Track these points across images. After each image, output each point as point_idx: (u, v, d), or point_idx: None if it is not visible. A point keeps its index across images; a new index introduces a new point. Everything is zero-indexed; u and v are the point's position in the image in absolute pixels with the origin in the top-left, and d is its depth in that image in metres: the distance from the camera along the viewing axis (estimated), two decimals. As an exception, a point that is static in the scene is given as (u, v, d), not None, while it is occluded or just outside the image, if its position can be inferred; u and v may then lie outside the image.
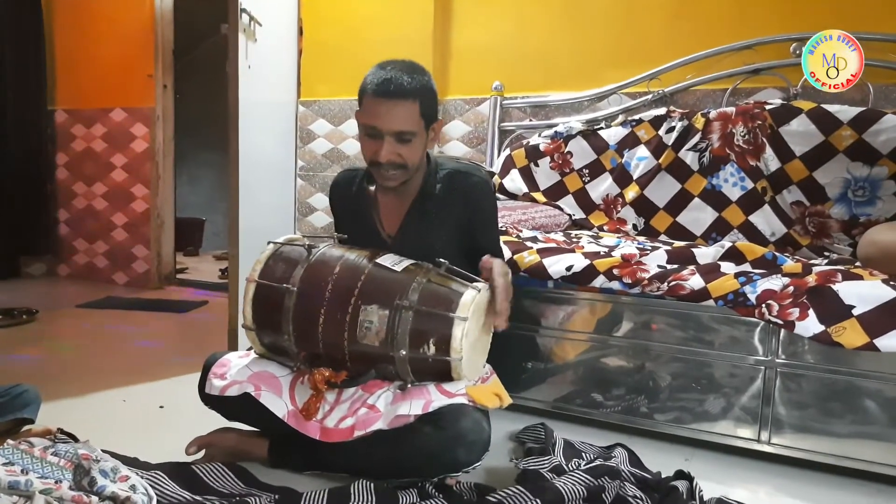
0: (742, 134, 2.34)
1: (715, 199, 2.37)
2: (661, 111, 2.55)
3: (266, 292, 1.46)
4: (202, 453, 1.52)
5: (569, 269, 1.78)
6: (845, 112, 2.19)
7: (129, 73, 3.88)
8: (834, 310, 1.48)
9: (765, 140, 2.31)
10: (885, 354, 1.44)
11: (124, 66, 3.89)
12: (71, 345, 2.68)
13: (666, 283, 1.66)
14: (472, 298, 1.35)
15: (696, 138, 2.42)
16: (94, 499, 1.17)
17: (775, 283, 1.58)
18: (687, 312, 1.69)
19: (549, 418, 1.83)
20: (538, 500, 1.23)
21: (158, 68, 3.84)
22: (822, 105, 2.25)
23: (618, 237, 2.31)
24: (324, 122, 3.35)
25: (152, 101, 3.87)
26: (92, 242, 4.12)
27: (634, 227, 2.50)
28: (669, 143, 2.45)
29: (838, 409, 1.54)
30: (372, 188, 1.61)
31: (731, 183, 2.35)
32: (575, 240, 2.16)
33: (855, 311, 1.46)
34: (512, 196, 2.74)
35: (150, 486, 1.28)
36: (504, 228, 2.12)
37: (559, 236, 2.22)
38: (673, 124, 2.48)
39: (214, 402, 1.51)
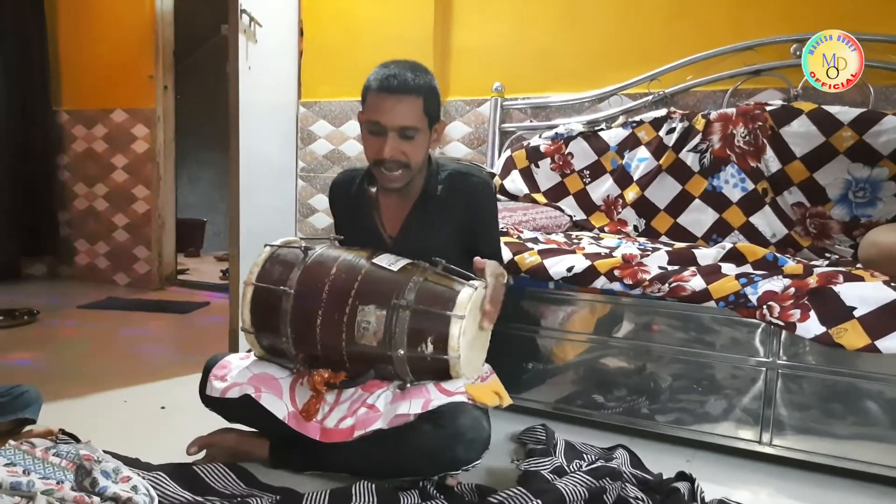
0: (743, 135, 2.35)
1: (716, 200, 2.37)
2: (662, 112, 2.55)
3: (263, 295, 1.46)
4: (203, 454, 1.52)
5: (570, 270, 1.78)
6: (846, 113, 2.19)
7: (130, 74, 3.88)
8: (835, 311, 1.48)
9: (765, 141, 2.31)
10: (887, 356, 1.44)
11: (125, 67, 3.89)
12: (72, 345, 2.68)
13: (667, 285, 1.66)
14: (468, 296, 1.35)
15: (697, 139, 2.42)
16: (96, 499, 1.17)
17: (776, 284, 1.58)
18: (688, 314, 1.69)
19: (550, 419, 1.83)
20: (539, 502, 1.23)
21: (159, 69, 3.85)
22: (822, 106, 2.25)
23: (618, 238, 2.31)
24: (324, 124, 3.35)
25: (153, 102, 3.87)
26: (93, 243, 4.12)
27: (635, 228, 2.50)
28: (670, 145, 2.45)
29: (839, 411, 1.54)
30: (373, 189, 1.61)
31: (732, 184, 2.35)
32: (576, 241, 2.16)
33: (856, 313, 1.46)
34: (513, 197, 2.74)
35: (152, 486, 1.28)
36: (505, 229, 2.12)
37: (560, 237, 2.22)
38: (673, 125, 2.48)
39: (215, 403, 1.51)
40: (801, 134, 2.25)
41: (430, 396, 1.36)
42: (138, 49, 3.84)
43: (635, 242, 2.15)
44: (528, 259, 1.84)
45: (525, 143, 2.82)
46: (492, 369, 1.57)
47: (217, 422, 1.56)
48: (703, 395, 1.68)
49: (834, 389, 1.54)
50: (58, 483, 1.19)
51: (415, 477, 1.37)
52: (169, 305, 3.49)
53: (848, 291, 1.49)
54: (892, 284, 1.47)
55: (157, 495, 1.27)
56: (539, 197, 2.69)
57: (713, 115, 2.43)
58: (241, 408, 1.47)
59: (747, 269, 1.71)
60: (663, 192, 2.46)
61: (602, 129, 2.67)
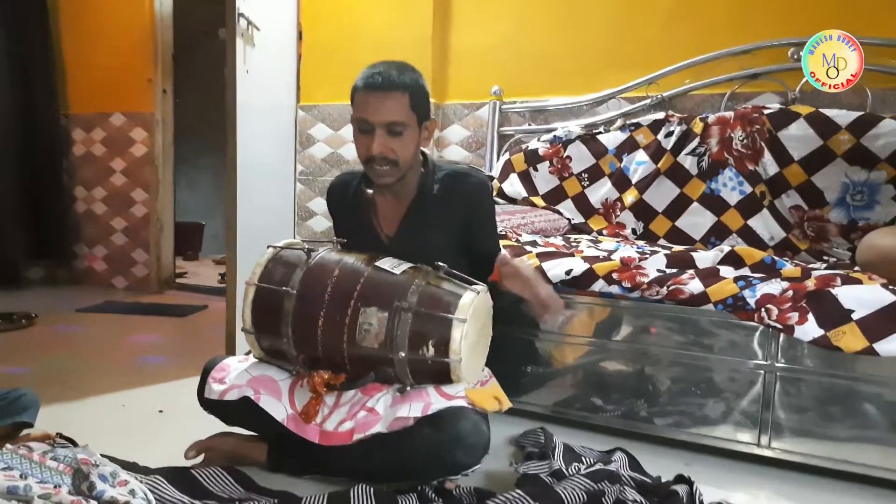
0: (740, 138, 2.35)
1: (714, 203, 2.37)
2: (660, 116, 2.56)
3: (265, 296, 1.46)
4: (201, 457, 1.52)
5: (568, 273, 1.78)
6: (843, 116, 2.20)
7: (129, 77, 3.88)
8: (833, 314, 1.48)
9: (763, 144, 2.31)
10: (885, 359, 1.44)
11: (124, 70, 3.90)
12: (70, 349, 2.68)
13: (665, 288, 1.66)
14: (471, 300, 1.35)
15: (695, 143, 2.43)
16: (94, 503, 1.16)
17: (774, 287, 1.59)
18: (686, 316, 1.69)
19: (549, 422, 1.83)
20: (538, 505, 1.23)
21: (158, 73, 3.85)
22: (820, 109, 2.26)
23: (617, 241, 2.31)
24: (323, 127, 3.35)
25: (152, 105, 3.87)
26: (91, 247, 4.12)
27: (633, 231, 2.50)
28: (668, 148, 2.46)
29: (838, 414, 1.54)
30: (369, 191, 1.62)
31: (730, 187, 2.35)
32: (574, 244, 2.16)
33: (854, 316, 1.46)
34: (511, 200, 2.74)
35: (150, 490, 1.28)
36: (503, 233, 2.12)
37: (558, 240, 2.22)
38: (671, 129, 2.48)
39: (213, 406, 1.51)
40: (798, 137, 2.26)
41: (431, 400, 1.36)
42: (137, 53, 3.85)
43: (633, 245, 2.16)
44: (528, 263, 1.83)
45: (523, 146, 2.82)
46: (491, 374, 1.57)
47: (215, 425, 1.56)
48: (702, 398, 1.68)
49: (832, 392, 1.54)
50: (55, 487, 1.19)
51: (414, 481, 1.37)
52: (167, 309, 3.49)
53: (846, 294, 1.49)
54: (890, 287, 1.48)
55: (155, 499, 1.27)
56: (537, 200, 2.70)
57: (711, 118, 2.44)
58: (239, 410, 1.46)
59: (745, 272, 1.72)
60: (661, 195, 2.46)
61: (600, 133, 2.67)
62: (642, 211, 2.49)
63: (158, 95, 3.88)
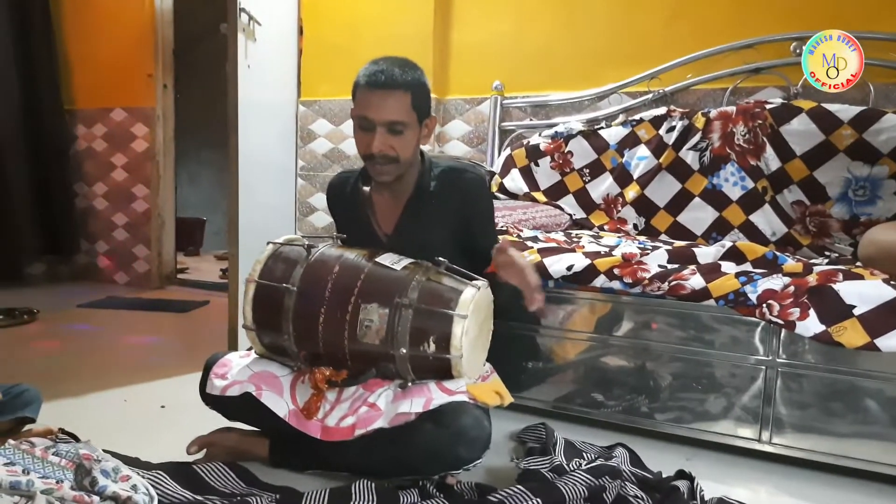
0: (742, 133, 2.34)
1: (715, 198, 2.37)
2: (662, 111, 2.55)
3: (266, 292, 1.46)
4: (203, 453, 1.52)
5: (569, 268, 1.78)
6: (846, 111, 2.19)
7: (130, 72, 3.88)
8: (835, 309, 1.48)
9: (765, 139, 2.31)
10: (886, 354, 1.44)
11: (124, 65, 3.89)
12: (71, 345, 2.68)
13: (667, 283, 1.66)
14: (471, 296, 1.35)
15: (697, 138, 2.42)
16: (96, 499, 1.17)
17: (776, 282, 1.58)
18: (688, 312, 1.69)
19: (550, 418, 1.83)
20: (539, 500, 1.23)
21: (158, 68, 3.85)
22: (822, 104, 2.25)
23: (618, 237, 2.31)
24: (324, 122, 3.34)
25: (153, 100, 3.87)
26: (93, 242, 4.12)
27: (635, 226, 2.50)
28: (670, 143, 2.45)
29: (839, 409, 1.54)
30: (367, 189, 1.62)
31: (732, 182, 2.35)
32: (575, 239, 2.16)
33: (856, 311, 1.46)
34: (512, 196, 2.74)
35: (152, 485, 1.28)
36: (505, 228, 2.12)
37: (560, 236, 2.22)
38: (673, 124, 2.48)
39: (215, 402, 1.52)
40: (800, 132, 2.25)
41: (432, 395, 1.36)
42: (138, 48, 3.84)
43: (635, 241, 2.15)
44: (528, 258, 1.83)
45: (525, 141, 2.82)
46: (492, 369, 1.57)
47: (217, 421, 1.56)
48: (703, 393, 1.68)
49: (833, 388, 1.54)
50: (57, 482, 1.19)
51: (415, 476, 1.37)
52: (168, 304, 3.49)
53: (847, 290, 1.49)
54: (892, 283, 1.47)
55: (157, 494, 1.27)
56: (539, 195, 2.69)
57: (713, 113, 2.43)
58: (241, 406, 1.47)
59: (747, 267, 1.71)
60: (663, 190, 2.46)
61: (602, 128, 2.66)
62: (644, 206, 2.48)
63: (159, 90, 3.88)
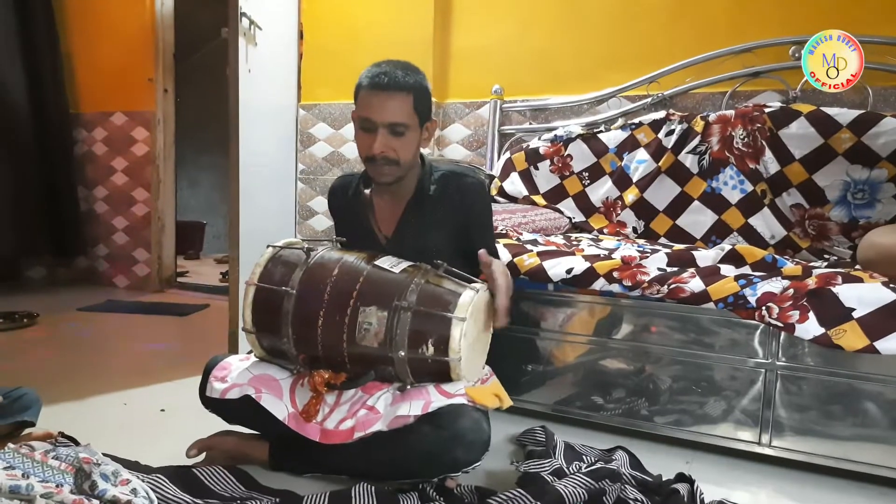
0: (741, 137, 2.35)
1: (714, 201, 2.37)
2: (661, 114, 2.56)
3: (265, 295, 1.46)
4: (203, 456, 1.52)
5: (569, 271, 1.78)
6: (844, 115, 2.20)
7: (130, 76, 3.89)
8: (834, 312, 1.48)
9: (764, 143, 2.31)
10: (886, 357, 1.44)
11: (125, 69, 3.90)
12: (71, 348, 2.68)
13: (666, 286, 1.67)
14: (470, 299, 1.36)
15: (696, 141, 2.42)
16: (96, 502, 1.17)
17: (775, 285, 1.59)
18: (687, 315, 1.69)
19: (550, 421, 1.83)
20: (539, 503, 1.23)
21: (159, 72, 3.86)
22: (821, 108, 2.25)
23: (618, 240, 2.31)
24: (324, 126, 3.35)
25: (153, 104, 3.88)
26: (93, 246, 4.12)
27: (634, 229, 2.50)
28: (669, 146, 2.46)
29: (839, 412, 1.54)
30: (367, 191, 1.62)
31: (731, 186, 2.35)
32: (575, 243, 2.16)
33: (855, 314, 1.46)
34: (512, 199, 2.74)
35: (151, 489, 1.28)
36: (504, 231, 2.12)
37: (559, 239, 2.22)
38: (672, 127, 2.48)
39: (215, 405, 1.52)
40: (799, 136, 2.26)
41: (431, 398, 1.36)
42: (138, 52, 3.85)
43: (634, 244, 2.16)
44: (528, 261, 1.84)
45: (524, 145, 2.82)
46: (492, 371, 1.57)
47: (217, 424, 1.56)
48: (703, 396, 1.68)
49: (833, 390, 1.54)
50: (57, 486, 1.19)
51: (414, 479, 1.37)
52: (168, 308, 3.49)
53: (847, 292, 1.49)
54: (891, 285, 1.47)
55: (157, 498, 1.27)
56: (538, 199, 2.70)
57: (712, 116, 2.44)
58: (241, 409, 1.47)
59: (746, 270, 1.72)
60: (662, 193, 2.46)
61: (601, 131, 2.67)
62: (643, 209, 2.49)
63: (160, 95, 3.89)
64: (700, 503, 1.35)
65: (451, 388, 1.37)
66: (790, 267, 1.68)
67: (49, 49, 3.87)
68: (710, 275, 1.67)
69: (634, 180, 2.51)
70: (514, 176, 2.76)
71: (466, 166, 1.73)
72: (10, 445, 1.28)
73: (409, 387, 1.39)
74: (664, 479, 1.47)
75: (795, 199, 2.28)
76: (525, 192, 2.72)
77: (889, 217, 2.13)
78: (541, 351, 1.88)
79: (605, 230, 2.54)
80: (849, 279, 1.54)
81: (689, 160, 2.43)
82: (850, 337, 1.45)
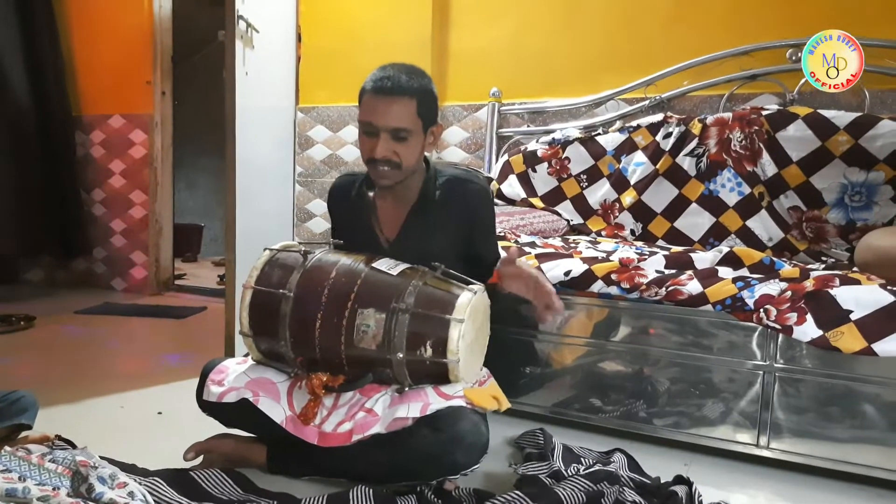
0: (739, 139, 2.35)
1: (712, 204, 2.38)
2: (659, 117, 2.56)
3: (262, 298, 1.46)
4: (200, 459, 1.52)
5: (567, 274, 1.78)
6: (842, 117, 2.20)
7: (128, 79, 3.88)
8: (832, 314, 1.48)
9: (762, 145, 2.31)
10: (883, 359, 1.44)
11: (123, 72, 3.90)
12: (69, 351, 2.67)
13: (664, 288, 1.67)
14: (468, 300, 1.35)
15: (693, 144, 2.43)
16: (92, 505, 1.16)
17: (773, 287, 1.59)
18: (685, 317, 1.69)
19: (548, 423, 1.83)
20: (537, 506, 1.23)
21: (157, 75, 3.85)
22: (818, 110, 2.26)
23: (616, 242, 2.31)
24: (322, 129, 3.35)
25: (151, 107, 3.87)
26: (91, 248, 4.11)
27: (632, 232, 2.51)
28: (667, 149, 2.46)
29: (837, 414, 1.54)
30: (371, 193, 1.62)
31: (729, 188, 2.35)
32: (573, 245, 2.16)
33: (853, 316, 1.46)
34: (510, 201, 2.74)
35: (149, 492, 1.28)
36: (502, 234, 2.12)
37: (557, 241, 2.23)
38: (670, 130, 2.49)
39: (212, 408, 1.51)
40: (797, 138, 2.26)
41: (429, 400, 1.36)
42: (136, 55, 3.85)
43: (632, 246, 2.16)
44: (529, 263, 1.84)
45: (522, 147, 2.82)
46: (490, 373, 1.57)
47: (214, 427, 1.56)
48: (701, 398, 1.68)
49: (831, 393, 1.54)
50: (54, 489, 1.18)
51: (413, 482, 1.37)
52: (166, 311, 3.48)
53: (844, 295, 1.49)
54: (889, 288, 1.48)
55: (154, 501, 1.27)
56: (536, 201, 2.70)
57: (710, 119, 2.44)
58: (238, 412, 1.46)
59: (744, 272, 1.72)
60: (660, 196, 2.46)
61: (599, 134, 2.67)
62: (641, 212, 2.49)
63: (157, 97, 3.88)
64: (698, 505, 1.35)
65: (450, 389, 1.37)
66: (788, 269, 1.69)
67: (51, 50, 3.87)
68: (708, 277, 1.67)
69: (632, 183, 2.52)
70: (512, 178, 2.76)
71: (469, 170, 1.73)
72: (7, 448, 1.27)
73: (407, 389, 1.38)
74: (662, 481, 1.47)
75: (793, 201, 2.28)
76: (523, 195, 2.72)
77: (886, 219, 2.14)
78: (539, 353, 1.88)
79: (603, 232, 2.54)
80: (846, 281, 1.54)
81: (686, 163, 2.43)
82: (848, 339, 1.45)
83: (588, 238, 2.45)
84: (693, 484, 1.40)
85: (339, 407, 1.42)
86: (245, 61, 2.55)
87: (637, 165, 2.52)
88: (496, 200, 2.74)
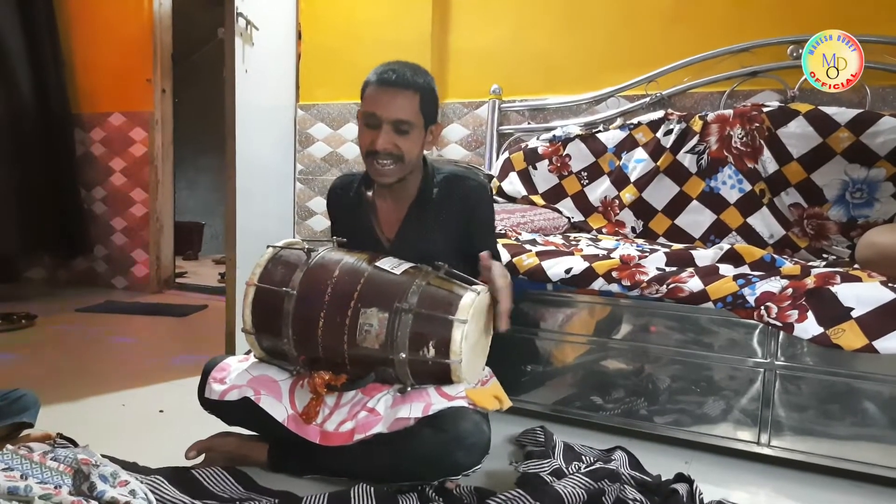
0: (740, 136, 2.35)
1: (713, 201, 2.37)
2: (659, 114, 2.56)
3: (265, 296, 1.46)
4: (202, 458, 1.52)
5: (568, 271, 1.78)
6: (843, 114, 2.20)
7: (128, 77, 3.88)
8: (833, 312, 1.48)
9: (762, 142, 2.31)
10: (884, 356, 1.44)
11: (123, 70, 3.89)
12: (70, 349, 2.68)
13: (665, 286, 1.67)
14: (471, 301, 1.35)
15: (694, 141, 2.42)
16: (94, 503, 1.17)
17: (774, 285, 1.59)
18: (686, 315, 1.69)
19: (549, 421, 1.83)
20: (538, 503, 1.23)
21: (157, 73, 3.85)
22: (819, 107, 2.25)
23: (616, 240, 2.31)
24: (322, 126, 3.35)
25: (151, 105, 3.87)
26: (91, 247, 4.11)
27: (633, 229, 2.50)
28: (667, 146, 2.46)
29: (837, 412, 1.54)
30: (370, 193, 1.62)
31: (730, 185, 2.35)
32: (574, 242, 2.16)
33: (854, 313, 1.46)
34: (510, 199, 2.74)
35: (150, 490, 1.28)
36: (503, 231, 2.12)
37: (558, 239, 2.22)
38: (671, 127, 2.48)
39: (214, 406, 1.51)
40: (798, 135, 2.26)
41: (431, 400, 1.36)
42: (136, 52, 3.85)
43: (633, 244, 2.16)
44: (527, 261, 1.84)
45: (523, 145, 2.82)
46: (491, 373, 1.57)
47: (216, 425, 1.56)
48: (702, 396, 1.68)
49: (832, 390, 1.54)
50: (56, 487, 1.19)
51: (415, 481, 1.37)
52: (167, 309, 3.49)
53: (845, 292, 1.49)
54: (890, 285, 1.48)
55: (156, 499, 1.27)
56: (537, 199, 2.70)
57: (710, 116, 2.44)
58: (240, 411, 1.46)
59: (745, 270, 1.72)
60: (661, 193, 2.46)
61: (599, 131, 2.67)
62: (642, 209, 2.49)
63: (157, 95, 3.88)
64: (699, 503, 1.35)
65: (452, 390, 1.37)
66: (789, 266, 1.69)
67: (51, 49, 3.86)
68: (709, 274, 1.67)
69: (633, 180, 2.51)
70: (513, 176, 2.76)
71: (468, 167, 1.73)
72: (9, 447, 1.27)
73: (409, 389, 1.38)
74: (663, 479, 1.47)
75: (794, 198, 2.28)
76: (524, 192, 2.72)
77: (887, 216, 2.13)
78: (540, 351, 1.88)
79: (604, 230, 2.54)
80: (847, 278, 1.54)
81: (687, 160, 2.43)
82: (849, 336, 1.45)
83: (589, 235, 2.45)
84: (694, 481, 1.41)
85: (342, 406, 1.42)
86: (245, 59, 2.55)
87: (638, 162, 2.52)
88: (497, 198, 2.74)
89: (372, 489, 1.31)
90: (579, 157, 2.67)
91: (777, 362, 1.59)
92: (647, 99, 2.69)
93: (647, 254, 1.83)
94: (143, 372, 2.34)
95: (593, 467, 1.45)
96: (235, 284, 2.43)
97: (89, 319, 3.20)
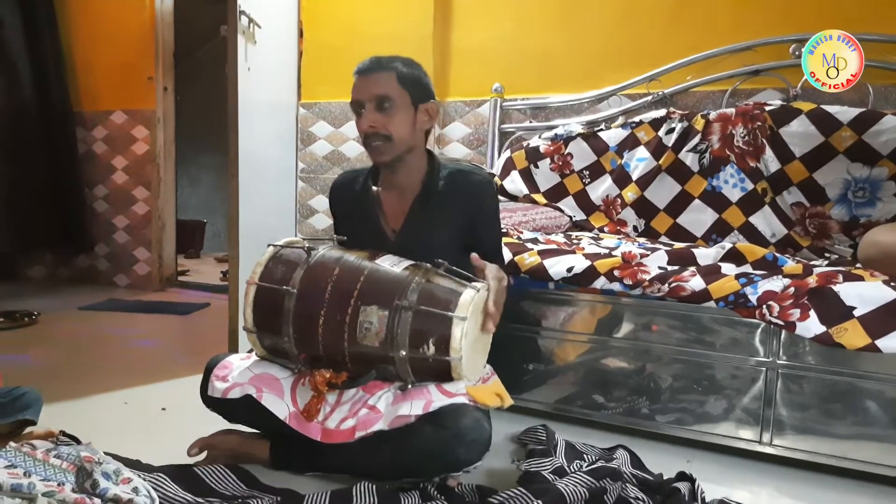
0: (742, 135, 2.35)
1: (715, 200, 2.37)
2: (661, 112, 2.55)
3: (266, 294, 1.46)
4: (204, 455, 1.52)
5: (569, 270, 1.78)
6: (845, 113, 2.20)
7: (130, 75, 3.88)
8: (835, 311, 1.48)
9: (765, 141, 2.31)
10: (887, 355, 1.44)
11: (125, 68, 3.89)
12: (72, 347, 2.68)
13: (667, 285, 1.66)
14: (471, 298, 1.35)
15: (696, 139, 2.42)
16: (97, 501, 1.17)
17: (776, 284, 1.58)
18: (688, 314, 1.69)
19: (551, 420, 1.83)
20: (540, 502, 1.23)
21: (159, 70, 3.85)
22: (821, 106, 2.25)
23: (618, 238, 2.31)
24: (324, 124, 3.35)
25: (153, 103, 3.87)
26: (93, 245, 4.12)
27: (635, 228, 2.50)
28: (669, 145, 2.46)
29: (840, 411, 1.54)
30: (375, 188, 1.63)
31: (732, 184, 2.35)
32: (575, 241, 2.16)
33: (856, 312, 1.46)
34: (512, 198, 2.74)
35: (153, 488, 1.28)
36: (505, 230, 2.12)
37: (560, 238, 2.22)
38: (673, 125, 2.48)
39: (216, 404, 1.52)
40: (800, 134, 2.25)
41: (432, 398, 1.36)
42: (138, 50, 3.85)
43: (635, 242, 2.16)
44: (528, 259, 1.84)
45: (524, 143, 2.82)
46: (493, 370, 1.57)
47: (218, 423, 1.56)
48: (704, 395, 1.68)
49: (834, 389, 1.54)
50: (59, 485, 1.19)
51: (416, 478, 1.37)
52: (169, 307, 3.49)
53: (848, 291, 1.49)
54: (892, 284, 1.48)
55: (158, 497, 1.27)
56: (539, 197, 2.69)
57: (712, 115, 2.43)
58: (242, 408, 1.47)
59: (747, 269, 1.71)
60: (663, 192, 2.46)
61: (601, 130, 2.67)
62: (643, 208, 2.49)
63: (160, 93, 3.88)
64: (701, 502, 1.35)
65: (453, 387, 1.38)
66: (791, 265, 1.68)
67: (52, 47, 3.87)
68: (711, 273, 1.67)
69: (635, 179, 2.51)
70: (515, 174, 2.76)
71: (473, 165, 1.74)
72: (12, 444, 1.28)
73: (410, 386, 1.39)
74: (665, 477, 1.47)
75: (796, 197, 2.28)
76: (525, 191, 2.72)
77: (890, 215, 2.13)
78: (542, 349, 1.88)
79: (606, 228, 2.54)
80: (850, 277, 1.54)
81: (689, 158, 2.43)
82: (852, 335, 1.45)
83: (590, 234, 2.45)
84: (696, 480, 1.41)
85: (343, 404, 1.42)
86: (247, 56, 2.55)
87: (639, 161, 2.52)
88: (498, 196, 2.74)
89: (374, 487, 1.31)
90: (581, 155, 2.67)
91: (779, 361, 1.59)
92: (649, 98, 2.69)
93: (649, 253, 1.83)
94: (146, 370, 2.34)
95: (595, 466, 1.45)
96: (238, 282, 2.42)
97: (91, 317, 3.20)
